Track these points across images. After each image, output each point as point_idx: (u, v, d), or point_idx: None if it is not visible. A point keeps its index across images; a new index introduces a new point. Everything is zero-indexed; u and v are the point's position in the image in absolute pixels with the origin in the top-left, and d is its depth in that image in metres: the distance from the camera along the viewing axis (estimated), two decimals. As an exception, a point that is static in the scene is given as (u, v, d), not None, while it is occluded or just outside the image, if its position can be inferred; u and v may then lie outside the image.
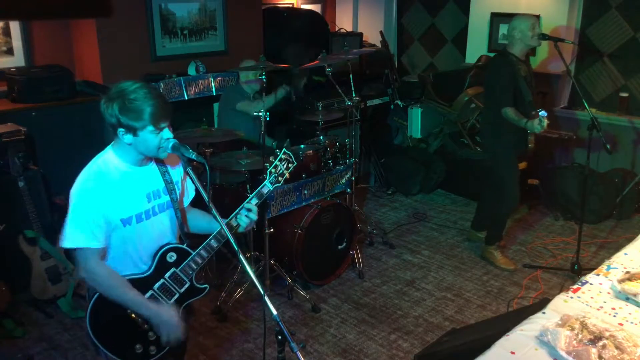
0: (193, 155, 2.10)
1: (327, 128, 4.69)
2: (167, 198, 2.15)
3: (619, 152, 5.01)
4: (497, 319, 3.34)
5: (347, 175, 4.26)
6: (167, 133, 2.02)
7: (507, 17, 5.50)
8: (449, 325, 3.54)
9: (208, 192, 2.06)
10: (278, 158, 2.21)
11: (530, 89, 3.96)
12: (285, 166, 2.21)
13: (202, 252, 2.14)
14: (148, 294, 2.09)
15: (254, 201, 2.17)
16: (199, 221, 2.32)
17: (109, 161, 2.03)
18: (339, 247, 4.06)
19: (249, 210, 2.14)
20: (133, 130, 1.94)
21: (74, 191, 1.97)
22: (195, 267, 2.15)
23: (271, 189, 2.19)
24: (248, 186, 3.77)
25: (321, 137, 4.34)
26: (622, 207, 5.03)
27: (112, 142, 2.06)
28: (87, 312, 2.04)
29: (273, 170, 2.20)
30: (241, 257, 2.04)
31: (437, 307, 3.79)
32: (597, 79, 5.41)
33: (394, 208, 5.46)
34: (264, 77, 3.53)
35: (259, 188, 2.20)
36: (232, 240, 2.03)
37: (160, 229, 2.15)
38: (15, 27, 4.47)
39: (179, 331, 2.09)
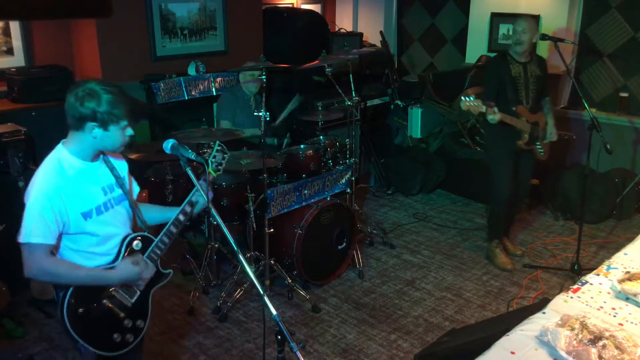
0: (192, 155, 2.17)
1: (327, 128, 4.70)
2: (120, 191, 2.24)
3: (619, 152, 5.01)
4: (497, 319, 3.34)
5: (347, 175, 4.26)
6: (130, 130, 2.15)
7: (507, 17, 5.53)
8: (449, 325, 3.54)
9: (207, 192, 2.08)
10: (215, 149, 2.33)
11: (525, 90, 4.01)
12: (222, 157, 2.34)
13: (164, 238, 2.25)
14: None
15: (204, 184, 2.29)
16: (152, 213, 2.42)
17: (63, 159, 2.09)
18: (339, 247, 4.06)
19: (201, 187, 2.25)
20: (106, 125, 2.05)
21: (35, 188, 2.03)
22: (159, 253, 2.25)
23: (214, 175, 2.33)
24: (248, 186, 3.77)
25: (321, 137, 4.34)
26: (622, 207, 5.03)
27: (63, 141, 2.13)
28: (63, 307, 2.05)
29: (213, 160, 2.33)
30: (241, 257, 2.06)
31: (437, 307, 3.79)
32: (597, 79, 5.41)
33: (394, 208, 5.46)
34: (263, 77, 3.52)
35: (207, 172, 2.31)
36: (231, 240, 2.06)
37: (120, 220, 2.22)
38: (15, 27, 4.48)
39: (147, 274, 2.20)
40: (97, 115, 2.02)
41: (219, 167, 2.36)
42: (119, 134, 2.09)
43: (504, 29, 5.60)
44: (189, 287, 3.93)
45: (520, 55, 4.02)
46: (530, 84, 4.04)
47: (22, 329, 3.44)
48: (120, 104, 2.06)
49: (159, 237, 2.25)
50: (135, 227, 2.31)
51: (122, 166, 2.32)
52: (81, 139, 2.09)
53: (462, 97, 3.77)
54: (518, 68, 4.01)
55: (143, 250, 2.23)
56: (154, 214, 2.42)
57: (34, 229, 2.00)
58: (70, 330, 2.06)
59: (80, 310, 2.07)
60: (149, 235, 2.26)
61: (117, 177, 2.23)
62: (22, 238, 2.02)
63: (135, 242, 2.22)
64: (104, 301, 2.11)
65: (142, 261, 2.20)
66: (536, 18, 4.16)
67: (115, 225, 2.20)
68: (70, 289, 2.06)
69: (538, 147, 4.17)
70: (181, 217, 2.27)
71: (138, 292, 2.21)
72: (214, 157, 2.35)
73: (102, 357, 2.14)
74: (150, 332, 3.40)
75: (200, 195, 2.28)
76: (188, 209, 2.29)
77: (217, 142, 2.37)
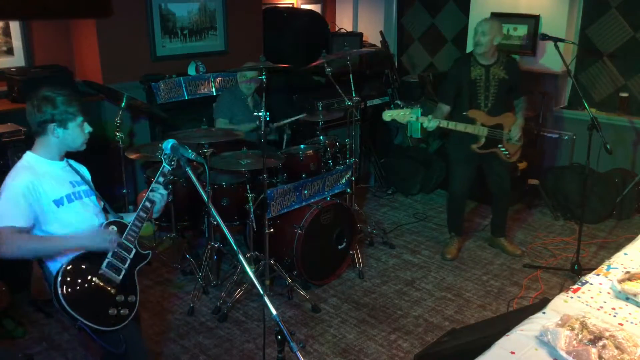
0: (192, 155, 2.23)
1: (327, 128, 4.68)
2: (86, 187, 2.46)
3: (619, 152, 5.01)
4: (497, 319, 3.34)
5: (347, 175, 4.26)
6: (88, 127, 2.39)
7: (507, 17, 5.52)
8: (449, 325, 3.54)
9: (207, 192, 2.11)
10: (165, 147, 2.43)
11: (484, 93, 4.04)
12: (170, 154, 2.43)
13: (136, 222, 2.42)
14: (105, 263, 2.33)
15: (161, 179, 2.47)
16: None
17: (31, 160, 2.35)
18: (339, 247, 4.06)
19: (156, 189, 2.46)
20: (65, 124, 2.30)
21: (8, 182, 2.25)
22: (135, 235, 2.42)
23: (169, 168, 2.46)
24: (248, 186, 3.77)
25: (321, 137, 4.34)
26: (622, 207, 5.03)
27: (30, 149, 2.37)
28: (57, 289, 2.19)
29: (164, 157, 2.45)
30: (241, 257, 2.08)
31: (437, 307, 3.79)
32: (597, 79, 5.41)
33: (394, 208, 5.46)
34: (263, 77, 3.52)
35: (160, 169, 2.47)
36: (231, 240, 2.08)
37: (91, 210, 2.43)
38: (15, 27, 4.47)
39: (113, 236, 2.34)
40: (55, 117, 2.28)
41: (172, 163, 2.47)
42: (78, 130, 2.35)
43: (504, 29, 5.59)
44: (189, 287, 3.93)
45: (482, 56, 4.04)
46: (492, 87, 4.05)
47: (22, 329, 3.44)
48: (73, 102, 2.32)
49: (132, 221, 2.42)
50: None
51: (84, 170, 2.55)
52: (46, 142, 2.34)
53: (385, 109, 3.94)
54: (480, 70, 4.04)
55: (120, 234, 2.39)
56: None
57: (6, 213, 2.20)
58: (69, 309, 2.18)
59: (73, 289, 2.22)
60: (121, 221, 2.44)
61: (82, 177, 2.47)
62: None
63: (111, 227, 2.39)
64: (94, 279, 2.28)
65: (113, 231, 2.38)
66: (500, 21, 4.13)
67: (87, 214, 2.40)
68: (60, 272, 2.21)
69: (501, 149, 4.15)
70: (147, 204, 2.44)
71: (124, 270, 2.37)
72: (167, 154, 2.47)
73: (102, 333, 2.28)
74: (150, 332, 3.41)
75: (154, 195, 2.45)
76: (151, 195, 2.45)
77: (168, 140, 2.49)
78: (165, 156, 2.45)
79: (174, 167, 2.46)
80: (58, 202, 2.31)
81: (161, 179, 2.48)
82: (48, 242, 2.28)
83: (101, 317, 2.26)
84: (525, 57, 5.50)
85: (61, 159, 2.41)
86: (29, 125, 2.34)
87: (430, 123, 3.88)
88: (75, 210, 2.36)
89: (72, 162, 2.50)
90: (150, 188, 2.46)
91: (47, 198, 2.28)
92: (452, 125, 3.95)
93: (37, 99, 2.29)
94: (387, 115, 3.91)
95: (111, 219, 2.46)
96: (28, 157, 2.36)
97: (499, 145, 4.14)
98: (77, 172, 2.47)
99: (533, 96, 5.11)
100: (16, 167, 2.32)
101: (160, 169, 2.47)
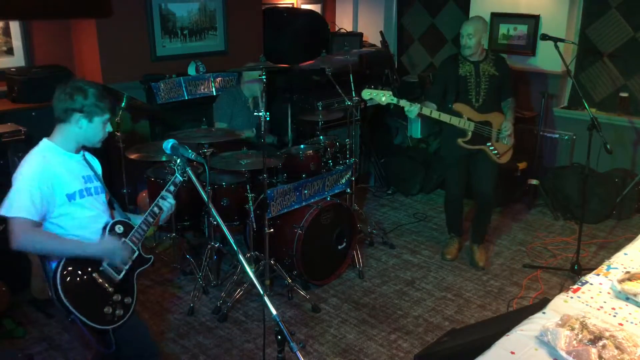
0: (192, 155, 2.25)
1: (327, 128, 4.69)
2: (99, 183, 2.45)
3: (619, 152, 5.01)
4: (497, 319, 3.33)
5: (347, 175, 4.26)
6: (110, 127, 2.40)
7: (507, 17, 5.52)
8: (449, 325, 3.54)
9: (207, 192, 2.12)
10: (179, 159, 2.44)
11: (475, 88, 4.02)
12: (183, 165, 2.44)
13: (143, 225, 2.43)
14: (105, 262, 2.31)
15: (172, 188, 2.47)
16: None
17: (48, 148, 2.32)
18: (339, 247, 4.06)
19: (166, 198, 2.47)
20: (92, 117, 2.29)
21: (23, 170, 2.23)
22: (140, 238, 2.42)
23: (182, 179, 2.47)
24: (248, 186, 3.77)
25: (321, 137, 4.34)
26: (622, 207, 5.03)
27: (47, 137, 2.36)
28: (56, 278, 2.19)
29: (178, 167, 2.45)
30: (241, 257, 2.08)
31: (437, 307, 3.79)
32: (597, 79, 5.40)
33: (394, 208, 5.46)
34: (263, 77, 3.52)
35: (172, 179, 2.48)
36: (231, 240, 2.08)
37: (100, 208, 2.42)
38: (15, 27, 4.48)
39: (127, 253, 2.36)
40: (84, 108, 2.27)
41: (184, 174, 2.47)
42: (100, 127, 2.34)
43: (504, 29, 5.60)
44: (189, 287, 3.93)
45: (470, 55, 4.04)
46: (482, 83, 4.03)
47: (22, 329, 3.44)
48: (104, 98, 2.32)
49: (139, 223, 2.42)
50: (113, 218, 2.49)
51: (98, 165, 2.53)
52: (66, 130, 2.32)
53: (365, 88, 3.89)
54: (468, 67, 4.04)
55: (125, 234, 2.39)
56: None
57: (21, 204, 2.17)
58: (64, 301, 2.18)
59: (72, 281, 2.23)
60: (128, 221, 2.44)
61: (95, 173, 2.46)
62: (10, 212, 2.18)
63: (117, 226, 2.39)
64: (94, 275, 2.28)
65: (123, 242, 2.37)
66: (484, 19, 4.10)
67: (96, 211, 2.39)
68: (62, 262, 2.22)
69: (490, 148, 4.11)
70: (156, 210, 2.45)
71: (124, 271, 2.37)
72: (179, 165, 2.47)
73: (94, 330, 2.27)
74: (150, 332, 3.41)
75: (163, 203, 2.46)
76: (160, 202, 2.46)
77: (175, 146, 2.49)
78: (178, 167, 2.45)
79: (186, 178, 2.45)
80: (71, 197, 2.30)
81: (172, 188, 2.48)
82: (64, 244, 2.26)
83: (95, 314, 2.26)
84: (525, 57, 5.50)
85: (77, 152, 2.40)
86: (52, 110, 2.32)
87: (412, 108, 3.82)
88: (86, 207, 2.36)
89: (87, 155, 2.49)
90: (161, 195, 2.46)
91: (60, 190, 2.27)
92: (435, 114, 3.90)
93: (70, 87, 2.28)
94: (367, 93, 3.87)
95: (117, 218, 2.46)
96: (44, 144, 2.33)
97: (488, 144, 4.12)
98: (91, 167, 2.45)
99: (531, 96, 5.11)
100: (30, 154, 2.30)
101: (172, 179, 2.47)
